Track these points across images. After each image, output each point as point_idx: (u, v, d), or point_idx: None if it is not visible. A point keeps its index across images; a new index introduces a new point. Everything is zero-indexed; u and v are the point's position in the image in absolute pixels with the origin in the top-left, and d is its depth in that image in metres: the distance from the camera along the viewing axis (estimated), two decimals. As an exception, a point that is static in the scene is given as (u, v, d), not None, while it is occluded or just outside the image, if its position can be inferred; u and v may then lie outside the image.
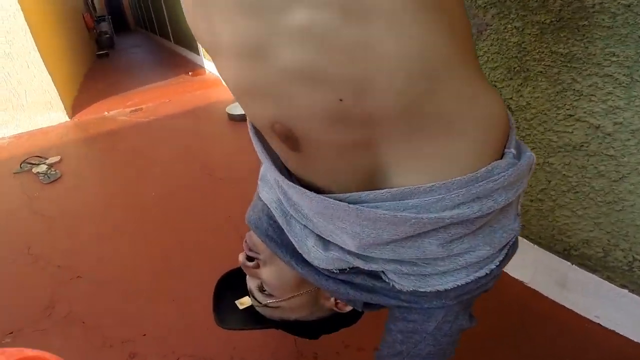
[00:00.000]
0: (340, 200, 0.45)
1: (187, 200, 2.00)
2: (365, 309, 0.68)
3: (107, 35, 8.76)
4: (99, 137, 3.08)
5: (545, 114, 1.02)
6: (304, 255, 0.59)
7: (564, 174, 1.05)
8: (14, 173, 2.50)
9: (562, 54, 0.93)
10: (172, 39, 6.81)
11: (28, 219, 1.98)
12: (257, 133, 0.56)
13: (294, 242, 0.59)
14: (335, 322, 0.77)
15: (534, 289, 1.25)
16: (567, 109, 0.97)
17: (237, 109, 3.02)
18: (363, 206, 0.44)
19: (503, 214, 0.49)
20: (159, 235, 1.74)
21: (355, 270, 0.58)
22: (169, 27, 6.75)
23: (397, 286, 0.55)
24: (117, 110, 3.63)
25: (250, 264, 0.70)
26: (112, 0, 12.76)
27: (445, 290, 0.52)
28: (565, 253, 1.14)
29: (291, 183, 0.50)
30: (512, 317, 1.16)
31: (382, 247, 0.49)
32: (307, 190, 0.48)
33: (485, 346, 1.06)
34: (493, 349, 1.06)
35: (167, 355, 1.14)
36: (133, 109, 3.63)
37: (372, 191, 0.45)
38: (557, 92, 0.97)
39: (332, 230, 0.51)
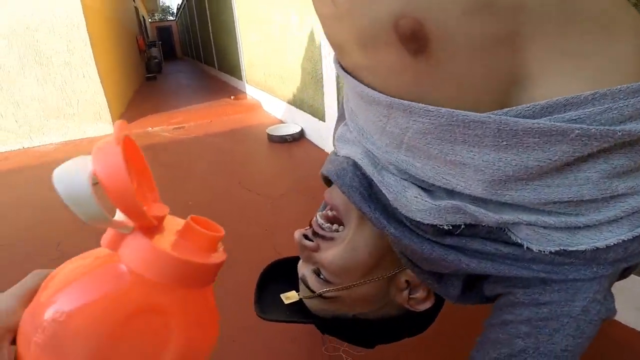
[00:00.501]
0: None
1: (224, 211, 1.96)
2: (460, 300, 0.54)
3: (156, 60, 9.21)
4: (141, 148, 3.11)
5: None
6: (400, 209, 0.47)
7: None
8: (57, 176, 2.54)
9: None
10: (216, 66, 7.05)
11: (62, 216, 1.97)
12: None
13: (387, 195, 0.49)
14: (400, 326, 0.64)
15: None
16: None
17: (277, 131, 3.04)
18: (508, 117, 0.36)
19: None
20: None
21: (473, 230, 0.46)
22: (214, 55, 7.01)
23: (534, 247, 0.43)
24: (160, 127, 3.71)
25: (309, 243, 0.60)
26: (163, 29, 13.50)
27: (605, 249, 0.40)
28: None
29: (399, 100, 0.42)
30: (589, 350, 1.02)
31: (523, 184, 0.39)
32: (425, 105, 0.40)
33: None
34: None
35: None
36: (176, 126, 3.71)
37: (514, 107, 0.37)
38: None
39: (449, 167, 0.42)
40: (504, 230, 0.44)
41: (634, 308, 1.06)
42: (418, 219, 0.46)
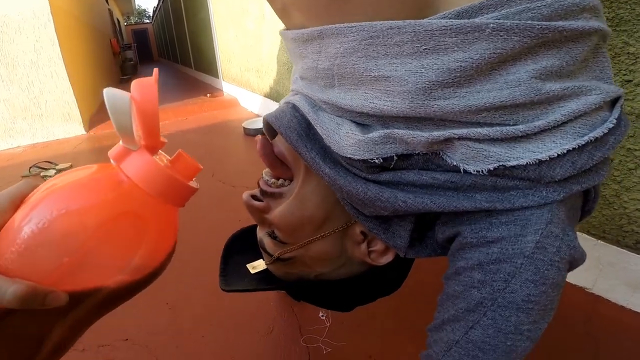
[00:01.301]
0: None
1: (194, 204, 1.87)
2: (411, 252, 0.50)
3: (132, 62, 9.10)
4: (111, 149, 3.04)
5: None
6: (333, 147, 0.45)
7: (629, 148, 0.92)
8: (22, 176, 2.45)
9: (608, 19, 0.85)
10: (192, 66, 6.97)
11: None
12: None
13: (321, 133, 0.47)
14: (370, 286, 0.60)
15: (599, 295, 1.09)
16: (624, 75, 0.88)
17: (253, 124, 3.01)
18: (422, 20, 0.35)
19: (599, 60, 0.39)
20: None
21: (407, 161, 0.43)
22: (190, 55, 6.92)
23: (471, 168, 0.39)
24: (133, 126, 3.61)
25: (258, 203, 0.56)
26: (139, 31, 13.30)
27: (549, 162, 0.36)
28: (638, 246, 0.98)
29: (326, 26, 0.41)
30: (576, 329, 0.99)
31: (450, 92, 0.36)
32: (348, 23, 0.39)
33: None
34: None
35: (150, 365, 0.99)
36: (149, 124, 3.61)
37: (430, 17, 0.36)
38: (610, 57, 0.88)
39: (376, 88, 0.40)
40: (439, 155, 0.41)
41: (624, 284, 1.03)
42: (349, 155, 0.43)
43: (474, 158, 0.38)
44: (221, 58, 4.71)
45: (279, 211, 0.54)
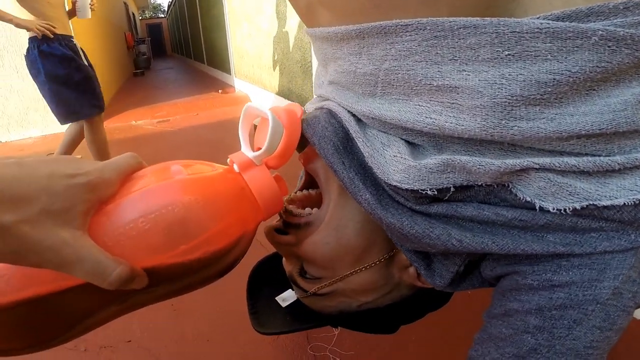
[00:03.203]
0: None
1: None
2: (449, 288, 0.43)
3: (145, 56, 9.13)
4: (123, 141, 3.05)
5: None
6: (375, 169, 0.38)
7: None
8: (33, 168, 2.45)
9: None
10: (205, 62, 6.97)
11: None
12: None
13: (364, 152, 0.39)
14: (418, 304, 0.53)
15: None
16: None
17: None
18: (507, 18, 0.28)
19: None
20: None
21: (466, 193, 0.36)
22: (203, 51, 6.93)
23: (549, 206, 0.32)
24: (144, 120, 3.62)
25: (284, 237, 0.49)
26: (153, 26, 13.38)
27: None
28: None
29: (370, 24, 0.34)
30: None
31: (536, 111, 0.29)
32: (400, 20, 0.32)
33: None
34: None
35: (154, 368, 0.97)
36: (160, 119, 3.62)
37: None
38: None
39: (436, 100, 0.33)
40: (508, 187, 0.34)
41: None
42: (395, 183, 0.36)
43: (555, 194, 0.32)
44: (234, 55, 4.70)
45: (310, 242, 0.46)
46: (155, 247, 0.29)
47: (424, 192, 0.35)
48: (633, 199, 0.30)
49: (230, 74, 5.03)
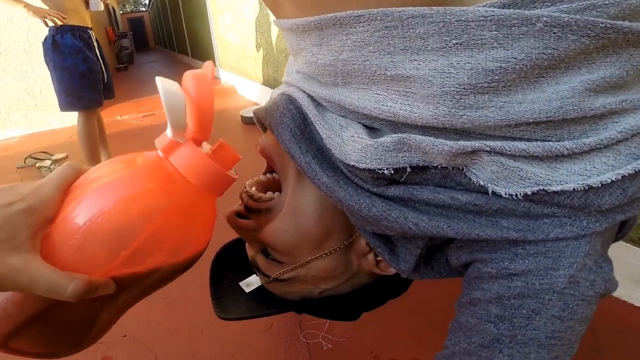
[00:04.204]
0: None
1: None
2: (415, 275, 0.44)
3: (128, 51, 8.98)
4: (109, 137, 2.99)
5: None
6: (333, 150, 0.38)
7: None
8: (18, 167, 2.42)
9: None
10: (189, 54, 6.88)
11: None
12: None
13: (321, 132, 0.40)
14: (378, 290, 0.54)
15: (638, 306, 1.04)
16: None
17: (251, 112, 2.92)
18: (454, 8, 0.28)
19: None
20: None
21: (422, 175, 0.36)
22: (187, 43, 6.83)
23: (502, 190, 0.32)
24: (129, 115, 3.57)
25: (245, 222, 0.49)
26: (135, 20, 13.13)
27: (599, 189, 0.30)
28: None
29: (327, 15, 0.34)
30: (607, 345, 0.95)
31: (485, 100, 0.30)
32: (354, 11, 0.32)
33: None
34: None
35: (147, 362, 0.97)
36: (145, 114, 3.57)
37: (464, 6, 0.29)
38: None
39: (391, 89, 0.33)
40: (462, 171, 0.34)
41: (627, 278, 1.00)
42: (353, 163, 0.36)
43: (507, 178, 0.32)
44: (218, 46, 4.64)
45: (270, 229, 0.47)
46: (98, 259, 0.29)
47: (380, 172, 0.35)
48: (583, 184, 0.30)
49: (215, 66, 4.97)
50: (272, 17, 2.20)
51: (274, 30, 2.77)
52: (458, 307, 0.41)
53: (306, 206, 0.45)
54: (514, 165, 0.31)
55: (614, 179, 0.30)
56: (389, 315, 1.05)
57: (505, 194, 0.32)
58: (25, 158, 2.47)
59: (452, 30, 0.29)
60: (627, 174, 0.29)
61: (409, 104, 0.32)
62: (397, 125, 0.36)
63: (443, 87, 0.30)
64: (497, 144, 0.31)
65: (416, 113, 0.32)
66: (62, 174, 0.31)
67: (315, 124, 0.40)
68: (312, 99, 0.42)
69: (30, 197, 0.28)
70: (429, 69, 0.30)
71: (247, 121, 2.89)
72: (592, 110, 0.29)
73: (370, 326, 1.02)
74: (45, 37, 1.83)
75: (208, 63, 0.31)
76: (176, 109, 0.30)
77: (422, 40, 0.30)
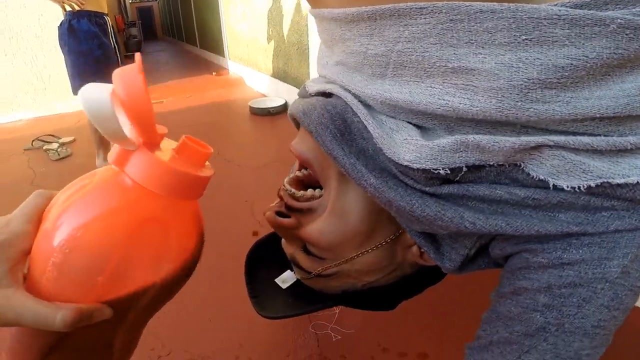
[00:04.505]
0: None
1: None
2: (457, 272, 0.44)
3: (136, 39, 9.01)
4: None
5: None
6: (385, 150, 0.37)
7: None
8: (25, 149, 2.42)
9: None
10: (198, 44, 6.86)
11: (27, 193, 1.83)
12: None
13: (373, 132, 0.39)
14: (419, 280, 0.54)
15: None
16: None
17: (260, 104, 2.96)
18: (525, 5, 0.29)
19: None
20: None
21: (478, 173, 0.36)
22: (196, 33, 6.81)
23: (563, 184, 0.32)
24: (137, 102, 3.56)
25: (286, 221, 0.49)
26: (144, 9, 13.14)
27: None
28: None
29: (384, 6, 0.33)
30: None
31: (553, 95, 0.30)
32: (416, 2, 0.32)
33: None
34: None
35: (155, 349, 0.96)
36: (154, 101, 3.54)
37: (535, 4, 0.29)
38: None
39: (450, 82, 0.33)
40: (519, 167, 0.34)
41: None
42: (406, 163, 0.36)
43: (569, 172, 0.32)
44: (228, 37, 4.62)
45: (314, 229, 0.47)
46: (79, 287, 0.28)
47: (436, 172, 0.35)
48: None
49: (224, 57, 4.95)
50: (285, 8, 2.18)
51: (286, 23, 2.75)
52: (498, 298, 0.41)
53: (351, 207, 0.45)
54: (576, 159, 0.31)
55: None
56: (398, 309, 1.03)
57: (568, 187, 0.32)
58: (33, 140, 2.47)
59: (522, 26, 0.29)
60: None
61: (468, 98, 0.32)
62: (450, 122, 0.36)
63: (511, 81, 0.30)
64: (561, 139, 0.31)
65: (477, 107, 0.32)
66: (31, 204, 0.30)
67: (366, 123, 0.39)
68: (359, 98, 0.42)
69: (2, 232, 0.28)
70: (495, 63, 0.30)
71: (255, 112, 2.88)
72: None
73: (379, 319, 1.02)
74: (62, 22, 1.84)
75: (136, 55, 0.27)
76: (102, 116, 0.25)
77: (490, 35, 0.30)
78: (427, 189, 0.37)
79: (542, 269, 0.36)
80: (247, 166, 2.01)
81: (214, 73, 4.69)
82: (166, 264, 0.31)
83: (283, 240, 0.56)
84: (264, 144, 2.37)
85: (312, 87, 0.48)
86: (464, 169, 0.35)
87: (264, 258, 0.67)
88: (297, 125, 0.49)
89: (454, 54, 0.32)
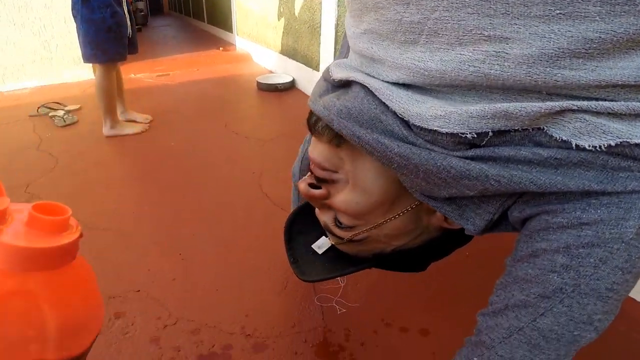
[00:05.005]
0: None
1: (208, 154, 1.86)
2: (479, 234, 0.47)
3: (142, 13, 8.89)
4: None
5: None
6: (412, 120, 0.40)
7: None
8: (30, 115, 2.41)
9: None
10: (205, 20, 6.78)
11: (33, 158, 1.86)
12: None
13: (397, 109, 0.41)
14: (445, 242, 0.57)
15: None
16: None
17: (267, 79, 2.95)
18: None
19: None
20: (172, 185, 1.58)
21: (503, 137, 0.37)
22: (204, 8, 6.72)
23: (585, 143, 0.34)
24: (144, 74, 3.53)
25: (317, 191, 0.53)
26: (151, -18, 12.98)
27: None
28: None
29: None
30: None
31: (579, 63, 0.32)
32: None
33: None
34: None
35: (161, 318, 0.96)
36: (160, 73, 3.54)
37: None
38: None
39: (482, 49, 0.35)
40: (543, 130, 0.36)
41: None
42: (435, 127, 0.38)
43: (590, 133, 0.34)
44: (237, 13, 4.55)
45: (342, 200, 0.51)
46: None
47: (463, 136, 0.37)
48: None
49: (232, 32, 4.90)
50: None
51: (299, 1, 2.72)
52: (513, 262, 0.42)
53: (372, 181, 0.48)
54: (597, 121, 0.34)
55: None
56: (403, 285, 1.05)
57: (590, 146, 0.34)
58: (38, 107, 2.45)
59: (557, 2, 0.31)
60: None
61: (499, 64, 0.35)
62: (480, 90, 0.38)
63: (542, 49, 0.33)
64: (584, 103, 0.33)
65: (508, 72, 0.35)
66: None
67: (389, 103, 0.42)
68: (383, 77, 0.44)
69: None
70: (530, 33, 0.33)
71: (263, 87, 2.86)
72: None
73: (383, 294, 1.02)
74: None
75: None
76: None
77: (525, 8, 0.32)
78: (454, 153, 0.39)
79: (561, 229, 0.38)
80: (255, 138, 2.00)
81: (220, 48, 4.65)
82: (51, 337, 0.29)
83: (316, 209, 0.59)
84: (271, 118, 2.36)
85: (337, 74, 0.50)
86: (490, 133, 0.37)
87: (301, 226, 0.72)
88: (310, 129, 0.52)
89: (490, 23, 0.34)
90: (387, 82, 0.43)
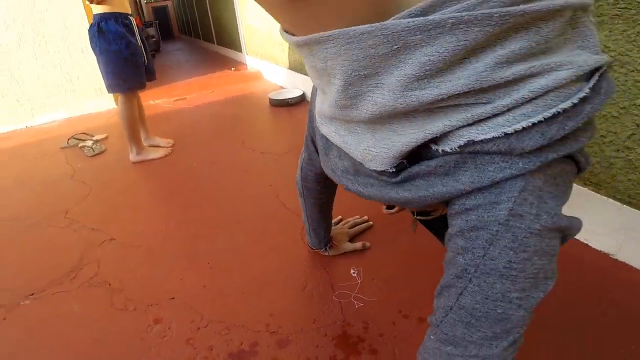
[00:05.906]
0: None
1: (228, 170, 1.96)
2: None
3: (154, 39, 9.11)
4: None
5: (627, 55, 0.93)
6: (366, 164, 0.50)
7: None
8: (62, 147, 2.56)
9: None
10: (215, 41, 6.95)
11: (69, 186, 2.00)
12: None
13: (356, 156, 0.51)
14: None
15: (623, 261, 1.07)
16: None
17: (278, 95, 3.04)
18: (386, 22, 0.36)
19: (580, 30, 0.38)
20: (196, 203, 1.69)
21: (412, 159, 0.46)
22: (213, 30, 6.89)
23: (447, 147, 0.41)
24: (162, 99, 3.68)
25: (391, 210, 0.76)
26: (159, 9, 13.34)
27: (517, 135, 0.37)
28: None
29: (305, 37, 0.41)
30: (599, 296, 0.99)
31: (425, 83, 0.37)
32: (322, 33, 0.39)
33: (567, 336, 0.91)
34: (575, 333, 0.91)
35: (194, 321, 1.06)
36: (177, 98, 3.68)
37: (395, 16, 0.36)
38: (637, 32, 0.89)
39: (363, 82, 0.41)
40: (429, 145, 0.43)
41: (602, 227, 1.05)
42: (373, 167, 0.48)
43: (451, 139, 0.40)
44: (244, 32, 4.69)
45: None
46: None
47: (389, 171, 0.46)
48: (500, 132, 0.37)
49: (242, 52, 5.02)
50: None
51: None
52: (446, 244, 0.49)
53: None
54: (458, 131, 0.39)
55: (526, 126, 0.37)
56: (418, 277, 1.11)
57: (450, 149, 0.40)
58: (68, 139, 2.61)
59: (391, 39, 0.36)
60: (537, 121, 0.36)
61: (380, 94, 0.40)
62: (397, 117, 0.44)
63: (397, 78, 0.38)
64: (458, 123, 0.39)
65: (385, 99, 0.40)
66: None
67: (344, 148, 0.53)
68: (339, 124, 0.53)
69: None
70: (387, 66, 0.38)
71: (274, 103, 2.95)
72: (502, 78, 0.36)
73: (399, 288, 1.08)
74: (91, 25, 1.95)
75: None
76: None
77: (374, 49, 0.37)
78: (391, 181, 0.48)
79: (456, 215, 0.44)
80: (270, 153, 2.09)
81: (232, 68, 4.78)
82: None
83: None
84: (284, 133, 2.45)
85: (322, 127, 0.58)
86: (405, 162, 0.45)
87: None
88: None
89: (359, 65, 0.39)
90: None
